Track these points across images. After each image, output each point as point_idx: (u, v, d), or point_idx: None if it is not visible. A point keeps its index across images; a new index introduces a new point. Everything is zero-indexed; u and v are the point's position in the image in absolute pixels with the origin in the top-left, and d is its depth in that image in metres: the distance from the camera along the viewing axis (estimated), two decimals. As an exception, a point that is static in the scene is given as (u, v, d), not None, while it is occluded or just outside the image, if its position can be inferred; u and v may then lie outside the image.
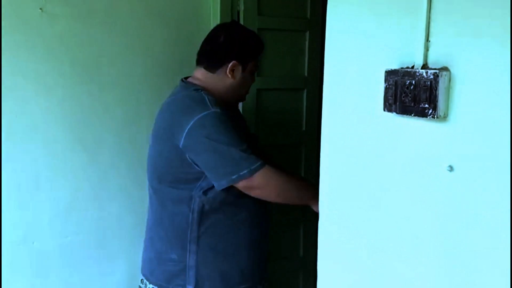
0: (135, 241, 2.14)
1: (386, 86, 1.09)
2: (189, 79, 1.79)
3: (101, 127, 2.12)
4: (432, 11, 1.02)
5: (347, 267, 1.28)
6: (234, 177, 1.61)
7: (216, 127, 1.62)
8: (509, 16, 0.88)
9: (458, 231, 1.00)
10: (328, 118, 1.31)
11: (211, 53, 1.77)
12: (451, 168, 1.00)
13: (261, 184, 1.66)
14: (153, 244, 1.84)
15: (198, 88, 1.72)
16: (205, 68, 1.77)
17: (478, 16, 0.93)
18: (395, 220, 1.13)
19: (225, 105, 1.74)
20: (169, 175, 1.73)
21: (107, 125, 2.10)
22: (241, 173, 1.61)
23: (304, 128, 2.57)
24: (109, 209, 2.18)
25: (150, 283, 1.83)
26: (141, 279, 1.88)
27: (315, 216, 1.42)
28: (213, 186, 1.67)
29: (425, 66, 1.02)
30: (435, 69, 0.99)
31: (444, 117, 0.99)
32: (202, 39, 1.83)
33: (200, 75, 1.78)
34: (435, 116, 0.99)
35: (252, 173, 1.62)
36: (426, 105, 1.00)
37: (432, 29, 1.02)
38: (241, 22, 2.28)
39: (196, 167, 1.66)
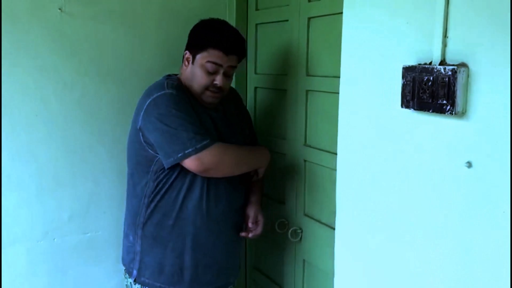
0: (153, 237, 2.17)
1: (404, 82, 1.08)
2: None
3: (119, 125, 2.14)
4: (450, 6, 1.01)
5: (364, 261, 1.28)
6: (180, 155, 1.63)
7: (168, 107, 1.65)
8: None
9: (476, 228, 1.00)
10: (345, 115, 1.31)
11: None
12: (469, 165, 0.99)
13: (212, 162, 1.66)
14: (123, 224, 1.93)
15: (170, 75, 1.80)
16: None
17: (497, 11, 0.93)
18: (413, 216, 1.13)
19: (199, 98, 1.76)
20: (133, 158, 1.80)
21: (125, 123, 2.12)
22: (187, 151, 1.62)
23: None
24: (128, 206, 2.21)
25: (123, 264, 1.92)
26: None
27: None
28: (163, 170, 1.70)
29: (443, 62, 1.02)
30: (453, 65, 0.99)
31: (463, 113, 0.99)
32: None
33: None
34: (453, 113, 0.99)
35: (198, 151, 1.62)
36: (444, 102, 1.00)
37: (450, 25, 1.01)
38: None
39: (149, 150, 1.70)
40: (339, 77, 1.33)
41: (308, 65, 1.93)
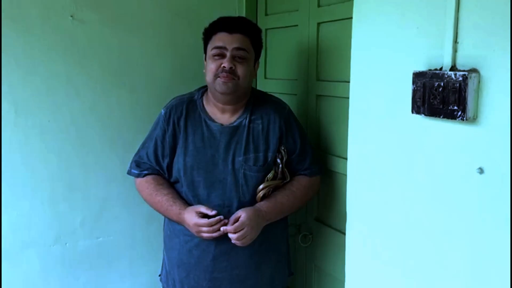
0: (164, 242, 2.17)
1: (414, 88, 1.08)
2: None
3: (131, 130, 2.16)
4: (461, 11, 1.01)
5: (374, 267, 1.28)
6: (127, 168, 1.87)
7: (153, 124, 1.85)
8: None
9: (489, 234, 0.99)
10: (355, 120, 1.31)
11: None
12: (481, 170, 0.99)
13: (136, 188, 1.86)
14: None
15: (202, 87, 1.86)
16: None
17: (508, 16, 0.92)
18: (424, 222, 1.12)
19: (215, 96, 1.74)
20: None
21: (137, 127, 2.14)
22: (128, 168, 1.87)
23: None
24: (139, 211, 2.22)
25: None
26: None
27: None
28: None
29: (453, 68, 1.01)
30: (464, 70, 0.98)
31: (474, 119, 0.98)
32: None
33: None
34: (464, 118, 0.98)
35: (128, 173, 1.87)
36: (455, 107, 0.99)
37: (460, 30, 1.01)
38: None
39: None
40: (349, 82, 1.33)
41: (318, 70, 1.93)
